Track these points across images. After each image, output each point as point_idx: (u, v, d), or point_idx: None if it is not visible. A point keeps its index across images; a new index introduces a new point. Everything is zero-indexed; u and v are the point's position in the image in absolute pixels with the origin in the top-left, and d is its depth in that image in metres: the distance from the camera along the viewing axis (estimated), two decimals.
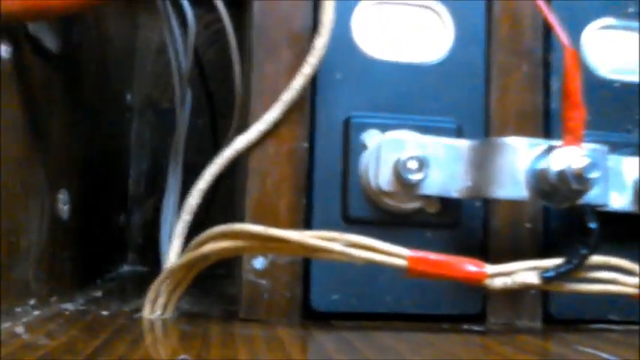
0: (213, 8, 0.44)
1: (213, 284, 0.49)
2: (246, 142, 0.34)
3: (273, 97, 0.34)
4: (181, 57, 0.50)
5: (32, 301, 0.33)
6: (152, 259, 0.65)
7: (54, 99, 0.35)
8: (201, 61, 0.53)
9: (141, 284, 0.51)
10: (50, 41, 0.33)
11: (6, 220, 0.29)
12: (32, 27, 0.31)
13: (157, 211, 0.67)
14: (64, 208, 0.38)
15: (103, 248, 0.53)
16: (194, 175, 0.52)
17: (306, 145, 0.34)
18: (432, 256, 0.30)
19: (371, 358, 0.25)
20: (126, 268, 0.63)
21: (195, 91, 0.50)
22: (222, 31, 0.59)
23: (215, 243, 0.31)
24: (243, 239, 0.31)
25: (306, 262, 0.34)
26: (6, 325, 0.28)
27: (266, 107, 0.34)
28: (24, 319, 0.30)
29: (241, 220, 0.34)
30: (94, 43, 0.45)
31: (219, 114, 0.58)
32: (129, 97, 0.63)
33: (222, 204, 0.52)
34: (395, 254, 0.30)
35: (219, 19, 0.46)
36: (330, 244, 0.29)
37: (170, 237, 0.54)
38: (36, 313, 0.32)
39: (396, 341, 0.30)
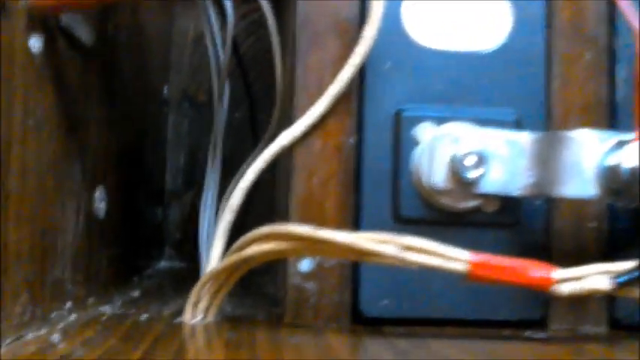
0: None
1: (252, 281, 0.48)
2: (291, 138, 0.32)
3: (319, 90, 0.32)
4: (219, 48, 0.48)
5: (68, 304, 0.31)
6: (190, 255, 0.63)
7: (89, 93, 0.34)
8: (240, 52, 0.51)
9: (179, 281, 0.49)
10: (84, 34, 0.32)
11: (41, 220, 0.28)
12: (65, 19, 0.29)
13: (194, 205, 0.65)
14: (100, 206, 0.37)
15: (141, 244, 0.52)
16: (232, 169, 0.51)
17: (354, 140, 0.32)
18: (494, 260, 0.28)
19: None
20: (163, 263, 0.62)
21: (232, 84, 0.48)
22: (259, 21, 0.57)
23: (259, 245, 0.29)
24: (290, 241, 0.29)
25: (355, 264, 0.32)
26: (42, 332, 0.27)
27: (311, 100, 0.32)
28: (60, 325, 0.29)
29: (285, 220, 0.32)
30: (130, 34, 0.43)
31: (258, 107, 0.56)
32: (165, 90, 0.62)
33: (261, 203, 0.50)
34: (454, 258, 0.28)
35: (256, 9, 0.44)
36: (383, 247, 0.27)
37: (209, 233, 0.53)
38: (72, 317, 0.31)
39: (453, 350, 0.28)
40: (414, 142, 0.32)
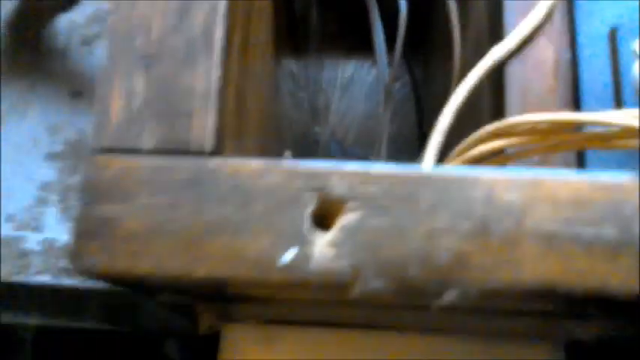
0: None
1: None
2: (505, 51, 0.30)
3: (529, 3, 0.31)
4: (383, 57, 0.49)
5: None
6: None
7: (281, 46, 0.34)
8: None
9: None
10: None
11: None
12: None
13: None
14: None
15: None
16: None
17: (570, 54, 0.31)
18: None
19: None
20: None
21: None
22: None
23: (486, 145, 0.27)
24: (524, 135, 0.27)
25: None
26: None
27: (522, 12, 0.31)
28: None
29: None
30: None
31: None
32: (316, 129, 0.62)
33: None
34: None
35: None
36: None
37: None
38: None
39: None
40: (634, 56, 0.30)
